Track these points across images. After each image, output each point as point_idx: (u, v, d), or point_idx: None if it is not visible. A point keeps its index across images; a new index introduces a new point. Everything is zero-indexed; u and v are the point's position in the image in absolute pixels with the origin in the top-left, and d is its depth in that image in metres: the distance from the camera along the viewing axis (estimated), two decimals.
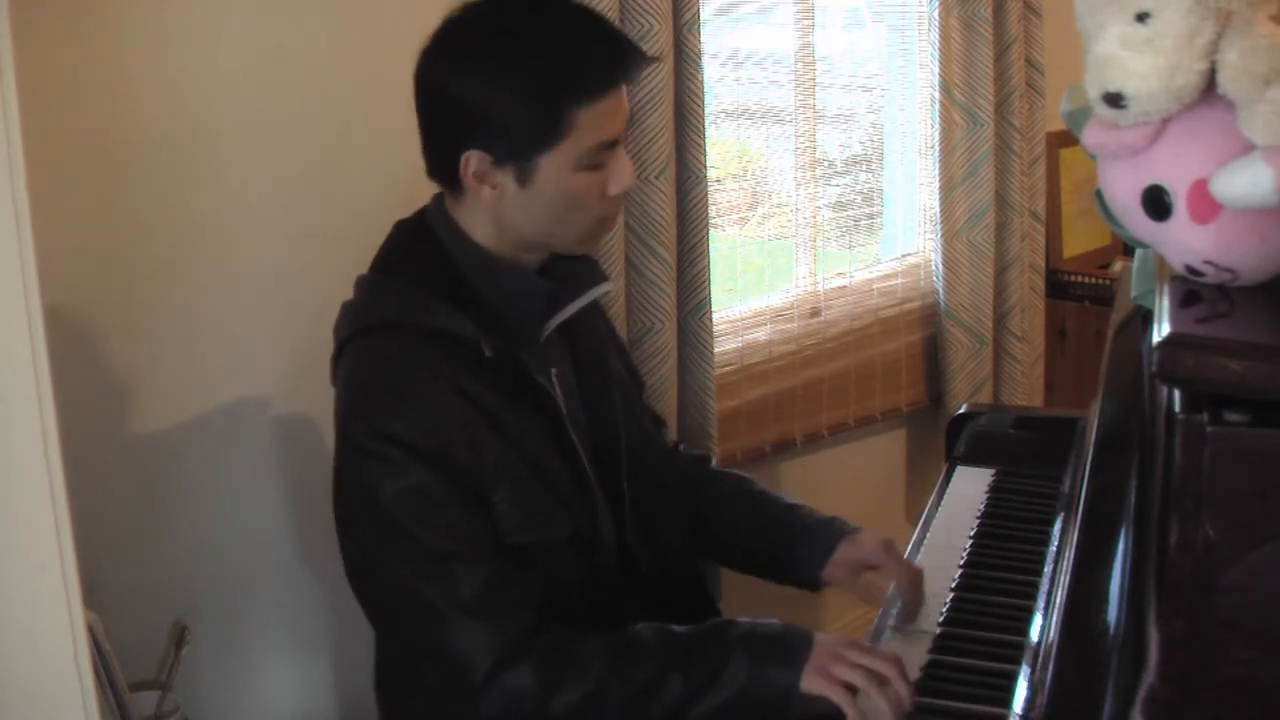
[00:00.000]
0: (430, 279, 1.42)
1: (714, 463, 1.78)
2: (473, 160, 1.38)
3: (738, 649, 1.33)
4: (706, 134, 2.13)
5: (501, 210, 1.41)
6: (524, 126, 1.35)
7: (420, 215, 1.49)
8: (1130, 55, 0.99)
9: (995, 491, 1.89)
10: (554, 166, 1.37)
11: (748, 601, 1.85)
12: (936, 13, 2.60)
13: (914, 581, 1.54)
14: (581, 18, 1.41)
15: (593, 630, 1.36)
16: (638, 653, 1.34)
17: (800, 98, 2.53)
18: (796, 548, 1.60)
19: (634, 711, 1.32)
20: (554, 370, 1.49)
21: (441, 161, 1.42)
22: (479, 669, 1.31)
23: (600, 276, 1.53)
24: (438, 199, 1.48)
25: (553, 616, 1.36)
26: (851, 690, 1.29)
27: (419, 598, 1.33)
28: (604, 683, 1.31)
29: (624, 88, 1.40)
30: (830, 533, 1.59)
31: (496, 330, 1.40)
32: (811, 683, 1.30)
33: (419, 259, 1.45)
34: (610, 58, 1.38)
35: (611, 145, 1.39)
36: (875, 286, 2.73)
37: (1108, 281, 2.96)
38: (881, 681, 1.29)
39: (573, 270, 1.50)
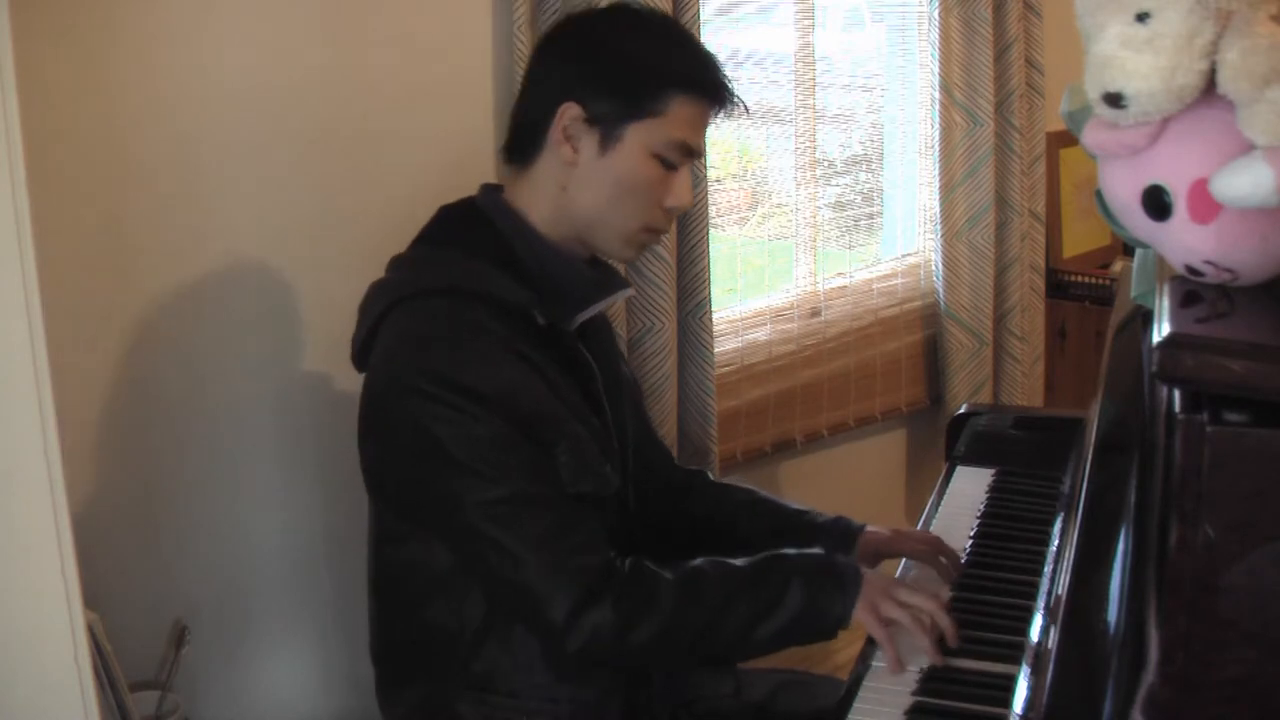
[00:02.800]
0: (483, 250, 1.45)
1: (711, 475, 1.79)
2: (568, 112, 1.43)
3: (796, 574, 1.40)
4: (706, 134, 2.13)
5: (571, 179, 1.45)
6: (626, 89, 1.43)
7: (468, 201, 1.52)
8: (1130, 55, 0.99)
9: (995, 491, 1.89)
10: (636, 142, 1.43)
11: None
12: (936, 13, 2.60)
13: (933, 554, 1.60)
14: (703, 45, 1.55)
15: (658, 566, 1.40)
16: (706, 583, 1.39)
17: (800, 98, 2.53)
18: (817, 544, 1.62)
19: (705, 639, 1.38)
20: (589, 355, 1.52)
21: (531, 124, 1.47)
22: (560, 608, 1.33)
23: (624, 282, 1.61)
24: (489, 190, 1.52)
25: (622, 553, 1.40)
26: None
27: (495, 544, 1.35)
28: (678, 614, 1.37)
29: (711, 115, 1.49)
30: (845, 530, 1.63)
31: (545, 305, 1.44)
32: (862, 616, 1.39)
33: (471, 234, 1.48)
34: (716, 75, 1.48)
35: (688, 154, 1.47)
36: (875, 286, 2.73)
37: (1108, 281, 2.96)
38: (921, 623, 1.37)
39: (599, 275, 1.56)
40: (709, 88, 1.47)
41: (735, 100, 1.50)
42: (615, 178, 1.44)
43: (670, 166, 1.46)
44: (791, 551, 1.44)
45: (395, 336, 1.42)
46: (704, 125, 1.49)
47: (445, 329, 1.39)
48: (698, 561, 1.42)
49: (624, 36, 1.47)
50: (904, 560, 1.64)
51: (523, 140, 1.49)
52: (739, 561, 1.42)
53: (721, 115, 1.51)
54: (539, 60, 1.52)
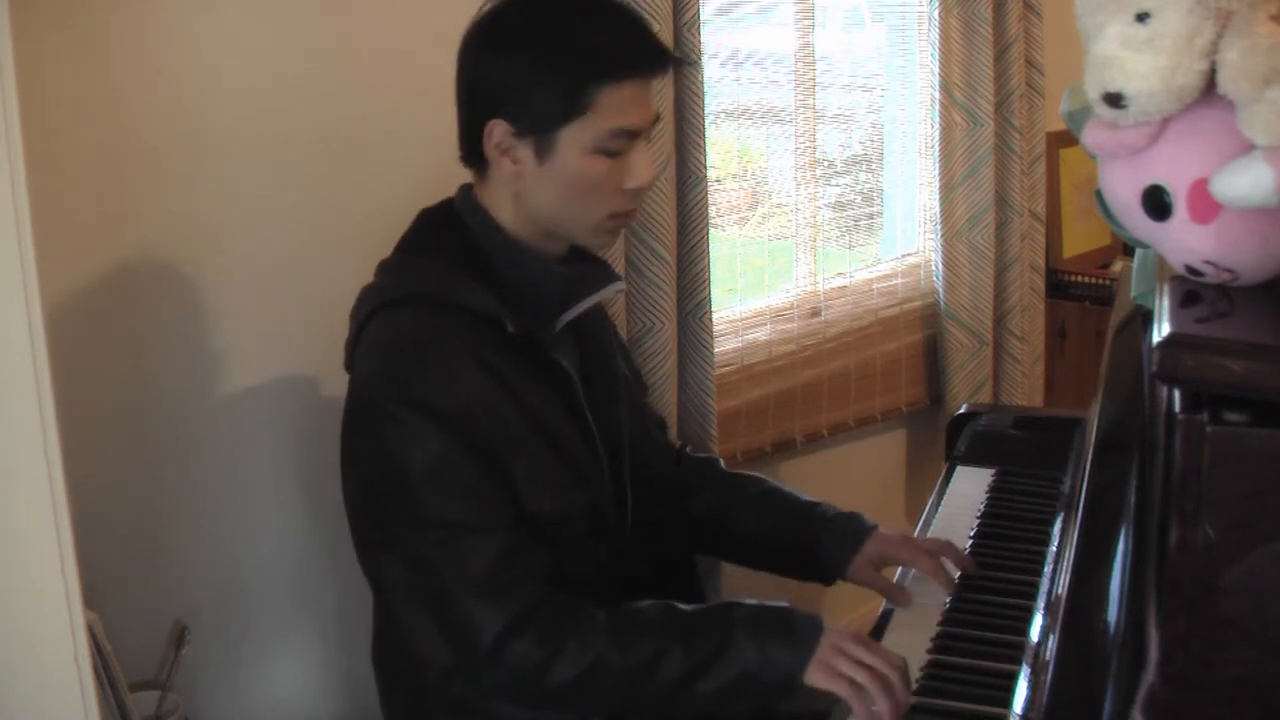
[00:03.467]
0: (457, 258, 1.44)
1: (722, 464, 1.78)
2: (496, 130, 1.40)
3: (744, 628, 1.33)
4: (706, 134, 2.13)
5: (521, 188, 1.43)
6: (546, 97, 1.37)
7: (447, 203, 1.51)
8: (1130, 55, 0.99)
9: (995, 491, 1.89)
10: (572, 144, 1.38)
11: None
12: (936, 13, 2.60)
13: (936, 565, 1.57)
14: (615, 9, 1.44)
15: (595, 603, 1.37)
16: (640, 626, 1.34)
17: (800, 98, 2.53)
18: (823, 540, 1.62)
19: (634, 685, 1.33)
20: (565, 362, 1.50)
21: (470, 137, 1.44)
22: (484, 640, 1.32)
23: (613, 276, 1.56)
24: (465, 189, 1.50)
25: (558, 589, 1.37)
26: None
27: (430, 568, 1.34)
28: (605, 655, 1.32)
29: (650, 83, 1.41)
30: (854, 528, 1.62)
31: (517, 312, 1.42)
32: (815, 676, 1.31)
33: (446, 240, 1.46)
34: (637, 44, 1.40)
35: (631, 135, 1.40)
36: (875, 286, 2.73)
37: (1108, 281, 2.96)
38: (884, 682, 1.29)
39: (586, 270, 1.53)
40: (633, 65, 1.39)
41: (669, 58, 1.43)
42: (563, 181, 1.40)
43: (615, 154, 1.40)
44: (747, 602, 1.37)
45: (368, 346, 1.41)
46: (642, 99, 1.40)
47: (410, 341, 1.38)
48: (643, 603, 1.37)
49: (532, 37, 1.39)
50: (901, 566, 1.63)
51: (468, 153, 1.46)
52: (688, 608, 1.37)
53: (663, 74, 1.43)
54: (461, 74, 1.45)
